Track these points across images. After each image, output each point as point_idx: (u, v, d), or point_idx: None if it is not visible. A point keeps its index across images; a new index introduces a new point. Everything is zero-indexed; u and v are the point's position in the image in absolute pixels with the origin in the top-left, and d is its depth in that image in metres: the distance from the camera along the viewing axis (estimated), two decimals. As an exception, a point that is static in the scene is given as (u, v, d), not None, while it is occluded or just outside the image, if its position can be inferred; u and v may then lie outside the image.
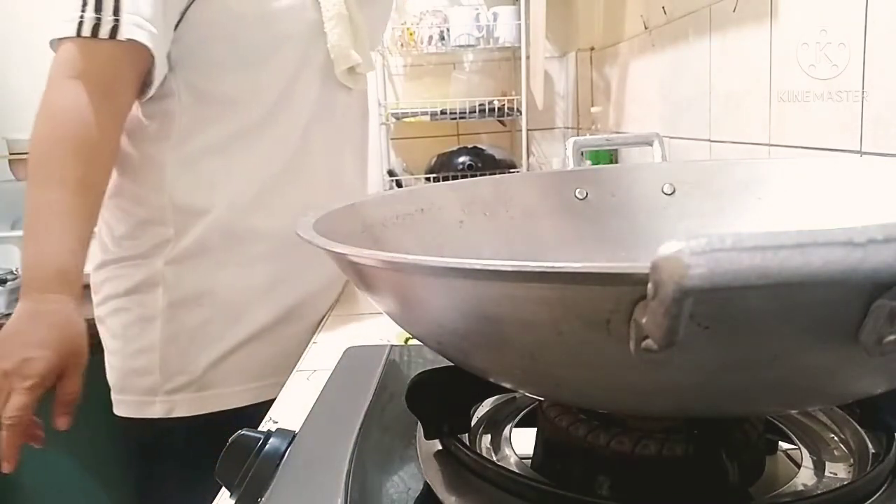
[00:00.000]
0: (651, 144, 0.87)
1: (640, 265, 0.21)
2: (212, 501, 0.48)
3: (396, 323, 0.36)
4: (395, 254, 0.29)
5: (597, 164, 1.40)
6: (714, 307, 0.22)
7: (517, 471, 0.37)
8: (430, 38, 1.96)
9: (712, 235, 0.19)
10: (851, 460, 0.37)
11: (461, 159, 1.97)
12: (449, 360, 0.37)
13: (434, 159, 2.04)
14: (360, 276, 0.34)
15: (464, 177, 1.68)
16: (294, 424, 0.46)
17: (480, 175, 1.84)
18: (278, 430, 0.44)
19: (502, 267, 0.24)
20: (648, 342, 0.22)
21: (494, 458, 0.39)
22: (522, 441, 0.41)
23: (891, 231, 0.19)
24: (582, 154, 0.78)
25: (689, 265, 0.18)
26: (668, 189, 0.56)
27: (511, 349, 0.30)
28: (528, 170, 1.93)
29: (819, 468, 0.36)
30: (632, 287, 0.21)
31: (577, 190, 0.57)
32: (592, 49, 1.83)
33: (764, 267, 0.18)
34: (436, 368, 0.42)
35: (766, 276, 0.18)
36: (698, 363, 0.25)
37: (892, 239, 0.19)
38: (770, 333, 0.24)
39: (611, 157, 1.50)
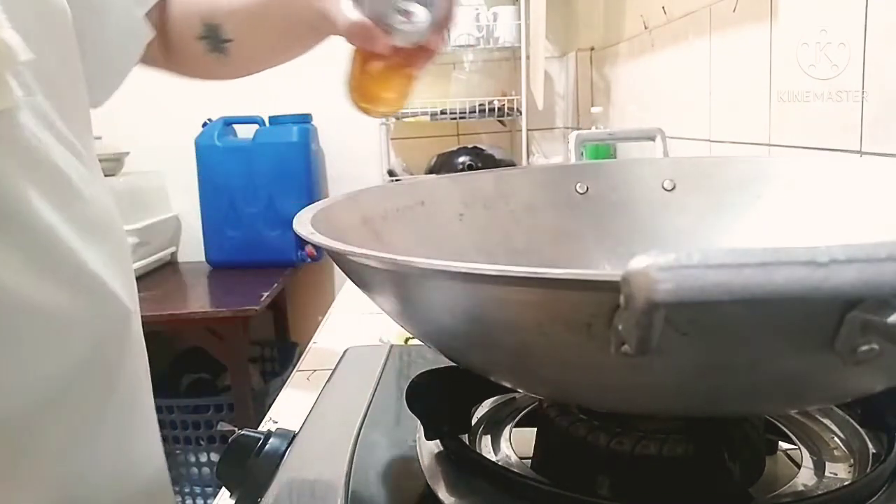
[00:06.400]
0: (654, 139, 0.87)
1: (618, 273, 0.21)
2: None
3: (393, 319, 0.36)
4: (387, 254, 0.29)
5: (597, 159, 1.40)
6: (690, 316, 0.23)
7: (517, 471, 0.37)
8: (430, 38, 1.95)
9: (681, 251, 0.19)
10: (852, 461, 0.37)
11: (461, 159, 1.97)
12: (446, 356, 0.37)
13: (434, 159, 2.04)
14: (357, 273, 0.34)
15: (464, 177, 1.68)
16: (294, 424, 0.46)
17: (480, 175, 1.84)
18: (278, 430, 0.44)
19: (488, 271, 0.25)
20: (626, 347, 0.22)
21: (494, 458, 0.39)
22: (522, 441, 0.41)
23: (853, 252, 0.19)
24: (582, 154, 0.78)
25: (656, 280, 0.19)
26: (668, 185, 0.55)
27: (499, 349, 0.31)
28: (528, 170, 1.93)
29: (819, 468, 0.36)
30: (611, 294, 0.22)
31: (578, 184, 0.56)
32: (592, 49, 1.83)
33: (728, 283, 0.19)
34: (436, 368, 0.42)
35: (730, 292, 0.19)
36: (679, 367, 0.26)
37: (854, 259, 0.19)
38: (747, 341, 0.24)
39: (610, 153, 1.50)
